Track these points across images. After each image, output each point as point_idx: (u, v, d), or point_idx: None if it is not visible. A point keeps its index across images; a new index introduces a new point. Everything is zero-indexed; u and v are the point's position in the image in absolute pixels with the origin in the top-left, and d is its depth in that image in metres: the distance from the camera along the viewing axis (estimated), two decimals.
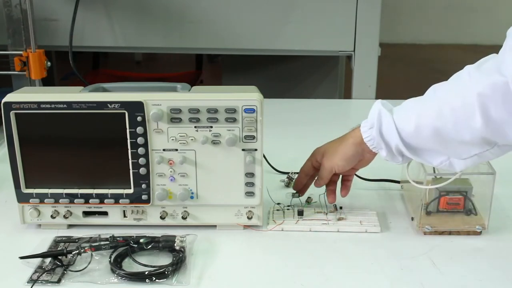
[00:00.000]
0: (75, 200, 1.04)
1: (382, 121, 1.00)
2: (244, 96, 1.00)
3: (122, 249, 0.98)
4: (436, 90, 0.97)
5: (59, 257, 0.96)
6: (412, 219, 1.09)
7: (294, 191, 1.16)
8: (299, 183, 1.15)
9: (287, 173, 1.27)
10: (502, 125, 0.87)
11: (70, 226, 1.08)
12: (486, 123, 0.88)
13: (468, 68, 0.94)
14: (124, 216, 1.06)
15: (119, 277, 0.92)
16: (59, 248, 0.99)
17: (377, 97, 1.99)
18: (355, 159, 1.06)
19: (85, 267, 0.94)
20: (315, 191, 1.15)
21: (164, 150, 1.02)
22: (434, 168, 1.07)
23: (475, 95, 0.88)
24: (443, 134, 0.93)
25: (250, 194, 1.04)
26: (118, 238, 0.99)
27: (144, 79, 2.89)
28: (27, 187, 1.04)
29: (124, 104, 0.99)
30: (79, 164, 1.03)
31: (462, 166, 0.97)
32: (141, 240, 0.99)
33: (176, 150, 1.02)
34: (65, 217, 1.06)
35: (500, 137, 0.89)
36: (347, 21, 1.92)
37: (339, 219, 1.09)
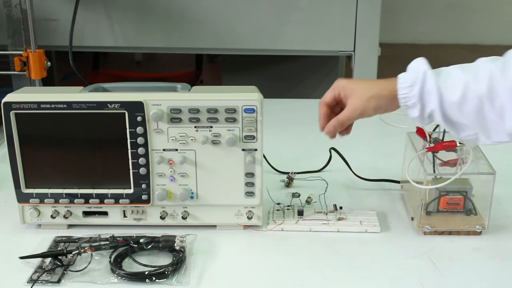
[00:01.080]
0: (75, 200, 1.04)
1: (426, 82, 0.93)
2: (244, 96, 1.00)
3: (122, 249, 0.98)
4: (484, 64, 0.93)
5: (59, 257, 0.96)
6: (412, 219, 1.09)
7: (294, 191, 1.16)
8: (324, 118, 1.04)
9: (287, 173, 1.27)
10: None
11: (70, 226, 1.08)
12: None
13: None
14: (124, 216, 1.06)
15: (119, 277, 0.92)
16: (59, 248, 0.99)
17: None
18: (381, 111, 1.00)
19: (85, 267, 0.94)
20: (315, 191, 1.15)
21: (164, 150, 1.02)
22: (434, 168, 1.07)
23: None
24: (486, 114, 0.90)
25: (250, 194, 1.04)
26: (118, 238, 0.99)
27: (144, 79, 2.89)
28: (27, 187, 1.04)
29: (124, 104, 0.99)
30: (79, 164, 1.03)
31: (486, 143, 0.94)
32: (141, 240, 0.99)
33: (176, 150, 1.02)
34: (65, 217, 1.06)
35: None
36: (347, 21, 1.92)
37: (339, 219, 1.09)
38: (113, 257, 0.96)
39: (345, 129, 1.04)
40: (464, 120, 0.93)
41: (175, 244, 0.98)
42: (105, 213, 1.06)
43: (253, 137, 1.01)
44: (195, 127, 1.00)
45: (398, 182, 1.23)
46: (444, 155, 1.10)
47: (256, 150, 1.02)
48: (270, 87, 1.85)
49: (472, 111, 0.91)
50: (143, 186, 1.03)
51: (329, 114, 1.04)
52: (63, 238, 1.03)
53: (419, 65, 0.96)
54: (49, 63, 1.63)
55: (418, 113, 0.95)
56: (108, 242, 0.98)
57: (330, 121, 1.02)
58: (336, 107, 1.04)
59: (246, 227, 1.07)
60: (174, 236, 1.00)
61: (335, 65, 2.51)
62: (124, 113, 0.99)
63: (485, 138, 0.93)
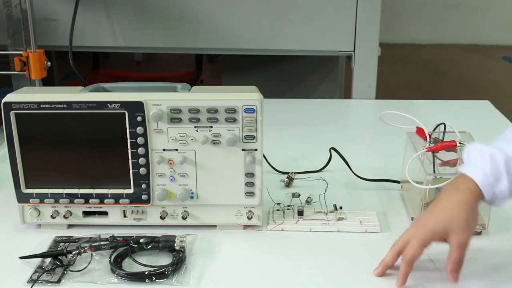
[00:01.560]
0: (75, 200, 1.04)
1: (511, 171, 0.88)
2: (244, 96, 1.00)
3: (122, 249, 0.98)
4: None
5: (59, 257, 0.96)
6: (412, 219, 1.09)
7: (294, 191, 1.16)
8: (386, 267, 0.93)
9: (287, 173, 1.27)
10: None
11: (70, 226, 1.08)
12: None
13: None
14: (124, 216, 1.06)
15: (119, 277, 0.92)
16: (59, 248, 0.99)
17: (377, 97, 1.99)
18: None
19: (85, 267, 0.94)
20: (315, 191, 1.15)
21: (164, 150, 1.02)
22: (434, 168, 1.07)
23: None
24: None
25: (250, 194, 1.04)
26: (118, 238, 0.99)
27: (144, 79, 2.89)
28: (27, 187, 1.04)
29: (124, 104, 0.99)
30: (79, 164, 1.03)
31: None
32: (141, 240, 0.99)
33: (176, 150, 1.02)
34: (65, 217, 1.06)
35: None
36: (347, 21, 1.92)
37: (339, 219, 1.09)
38: (113, 257, 0.96)
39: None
40: None
41: (175, 244, 0.98)
42: (105, 213, 1.06)
43: (253, 137, 1.01)
44: (195, 127, 1.00)
45: (398, 182, 1.23)
46: (444, 155, 1.10)
47: (256, 150, 1.02)
48: (270, 87, 1.85)
49: None
50: (143, 186, 1.03)
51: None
52: (63, 238, 1.03)
53: (492, 153, 0.89)
54: (49, 63, 1.63)
55: (508, 200, 0.90)
56: (108, 242, 0.98)
57: (449, 268, 0.89)
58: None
59: (246, 227, 1.07)
60: (174, 236, 1.00)
61: (335, 65, 2.51)
62: (124, 113, 0.99)
63: None
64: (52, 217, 1.06)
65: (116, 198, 1.04)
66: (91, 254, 0.96)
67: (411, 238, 0.90)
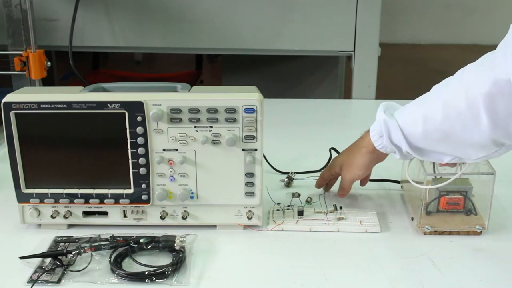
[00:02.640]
0: (75, 200, 1.04)
1: (390, 129, 1.01)
2: (244, 96, 1.00)
3: (122, 249, 0.98)
4: (438, 92, 0.97)
5: (59, 257, 0.96)
6: (412, 219, 1.09)
7: (294, 191, 1.16)
8: (319, 186, 1.20)
9: (287, 173, 1.27)
10: (509, 124, 0.86)
11: (70, 226, 1.08)
12: (494, 125, 0.87)
13: (467, 68, 0.94)
14: (124, 216, 1.06)
15: (119, 277, 0.92)
16: (59, 248, 0.99)
17: (377, 97, 1.99)
18: (372, 164, 1.11)
19: (85, 267, 0.94)
20: (315, 191, 1.16)
21: (164, 150, 1.02)
22: (434, 168, 1.07)
23: (479, 96, 0.87)
24: (451, 138, 0.94)
25: (250, 194, 1.04)
26: (118, 238, 0.99)
27: (144, 79, 2.88)
28: (27, 187, 1.04)
29: (124, 104, 0.99)
30: (79, 164, 1.03)
31: (471, 161, 0.99)
32: (141, 240, 0.99)
33: (176, 150, 1.02)
34: (65, 217, 1.06)
35: (508, 137, 0.89)
36: (347, 21, 1.92)
37: (339, 219, 1.09)
38: (113, 257, 0.96)
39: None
40: (437, 148, 0.98)
41: (175, 244, 0.98)
42: (105, 213, 1.06)
43: (253, 137, 1.01)
44: (195, 127, 1.00)
45: (398, 182, 1.23)
46: None
47: (256, 150, 1.02)
48: (270, 87, 1.84)
49: (439, 139, 0.96)
50: (143, 186, 1.03)
51: (326, 185, 1.20)
52: (63, 238, 1.03)
53: (379, 114, 1.04)
54: (49, 63, 1.63)
55: (399, 155, 1.04)
56: (108, 242, 0.98)
57: (339, 193, 1.17)
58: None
59: (246, 227, 1.07)
60: (174, 236, 1.00)
61: (335, 65, 2.51)
62: (124, 113, 0.99)
63: (467, 160, 0.98)
64: (52, 217, 1.06)
65: (116, 198, 1.04)
66: (91, 254, 0.96)
67: None
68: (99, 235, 1.01)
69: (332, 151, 1.33)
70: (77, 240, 1.01)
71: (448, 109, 0.93)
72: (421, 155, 1.01)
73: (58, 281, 0.91)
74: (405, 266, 0.96)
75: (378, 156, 1.08)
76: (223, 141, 1.01)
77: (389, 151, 1.05)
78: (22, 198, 1.04)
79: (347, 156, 1.12)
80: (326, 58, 2.39)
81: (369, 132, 1.06)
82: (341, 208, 1.12)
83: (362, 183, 1.19)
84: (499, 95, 0.85)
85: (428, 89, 1.00)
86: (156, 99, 0.99)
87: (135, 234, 1.01)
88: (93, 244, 0.97)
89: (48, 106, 0.99)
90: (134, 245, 0.98)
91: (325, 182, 1.19)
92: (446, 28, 5.40)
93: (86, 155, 1.03)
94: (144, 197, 1.04)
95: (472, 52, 4.94)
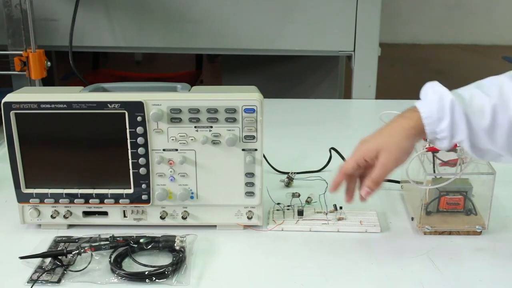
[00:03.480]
0: (75, 200, 1.04)
1: (455, 114, 0.88)
2: (244, 96, 1.00)
3: (122, 249, 0.98)
4: (505, 82, 0.88)
5: (59, 257, 0.96)
6: (412, 219, 1.09)
7: (294, 191, 1.16)
8: (336, 184, 0.99)
9: (287, 173, 1.27)
10: None
11: (70, 226, 1.08)
12: None
13: None
14: (124, 216, 1.06)
15: (119, 277, 0.92)
16: (59, 248, 0.99)
17: (377, 97, 1.99)
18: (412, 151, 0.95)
19: (85, 267, 0.94)
20: (315, 191, 1.15)
21: (164, 150, 1.02)
22: (434, 168, 1.07)
23: None
24: None
25: (250, 194, 1.04)
26: (118, 238, 0.99)
27: (144, 79, 2.89)
28: (27, 187, 1.04)
29: (124, 104, 0.99)
30: (79, 164, 1.03)
31: (508, 162, 0.91)
32: (141, 240, 0.99)
33: (176, 150, 1.02)
34: (65, 217, 1.06)
35: None
36: (347, 21, 1.92)
37: (339, 219, 1.09)
38: (113, 257, 0.96)
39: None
40: (493, 146, 0.90)
41: (175, 244, 0.98)
42: (105, 213, 1.06)
43: (253, 137, 1.01)
44: (195, 127, 1.00)
45: (398, 182, 1.23)
46: (444, 155, 1.10)
47: (256, 150, 1.02)
48: (270, 87, 1.84)
49: (503, 135, 0.88)
50: (143, 186, 1.03)
51: (349, 183, 0.98)
52: (63, 238, 1.03)
53: (442, 93, 0.89)
54: (49, 63, 1.63)
55: (447, 144, 0.91)
56: (108, 242, 0.98)
57: (365, 184, 0.94)
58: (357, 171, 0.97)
59: (246, 227, 1.07)
60: (174, 236, 1.00)
61: (335, 65, 2.51)
62: (124, 113, 0.99)
63: (510, 158, 0.90)
64: (52, 217, 1.06)
65: (116, 198, 1.04)
66: (91, 254, 0.96)
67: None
68: (99, 235, 1.01)
69: (332, 151, 1.33)
70: (77, 240, 1.01)
71: None
72: (471, 149, 0.90)
73: (58, 281, 0.91)
74: (405, 266, 0.96)
75: (416, 143, 0.93)
76: (223, 141, 1.01)
77: (440, 138, 0.90)
78: (22, 198, 1.04)
79: (386, 138, 0.93)
80: (326, 58, 2.39)
81: (419, 111, 0.90)
82: (341, 208, 1.12)
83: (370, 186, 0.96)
84: None
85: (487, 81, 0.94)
86: (156, 99, 0.99)
87: (135, 234, 1.01)
88: (93, 244, 0.97)
89: (48, 106, 0.99)
90: (134, 245, 0.98)
91: (343, 178, 0.97)
92: (446, 28, 5.40)
93: (86, 155, 1.03)
94: (144, 197, 1.04)
95: (472, 52, 4.95)
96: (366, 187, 0.94)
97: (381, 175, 0.93)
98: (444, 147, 0.93)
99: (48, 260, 0.96)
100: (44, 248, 0.99)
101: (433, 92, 0.91)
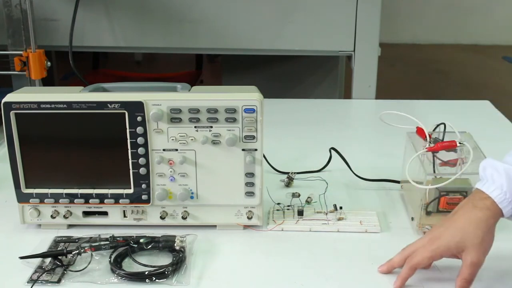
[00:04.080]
0: (75, 200, 1.04)
1: None
2: (244, 96, 1.00)
3: (122, 249, 0.98)
4: None
5: (59, 257, 0.96)
6: (412, 219, 1.09)
7: (294, 191, 1.16)
8: (391, 271, 0.94)
9: (287, 173, 1.27)
10: None
11: (70, 226, 1.08)
12: None
13: None
14: (124, 216, 1.06)
15: (119, 277, 0.92)
16: (59, 248, 0.99)
17: (377, 97, 1.99)
18: None
19: (85, 267, 0.94)
20: (315, 191, 1.15)
21: (164, 150, 1.02)
22: (434, 168, 1.07)
23: None
24: None
25: (250, 194, 1.04)
26: (118, 238, 0.99)
27: (144, 79, 2.89)
28: (27, 187, 1.04)
29: (124, 104, 0.99)
30: (79, 164, 1.03)
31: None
32: (141, 240, 0.99)
33: (176, 150, 1.02)
34: (65, 217, 1.06)
35: None
36: (347, 21, 1.92)
37: (339, 219, 1.09)
38: (113, 257, 0.96)
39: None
40: None
41: (175, 244, 0.98)
42: (105, 213, 1.06)
43: (253, 137, 1.01)
44: (195, 127, 1.01)
45: (398, 182, 1.23)
46: (444, 155, 1.10)
47: (256, 150, 1.02)
48: (270, 87, 1.84)
49: None
50: (143, 186, 1.03)
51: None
52: (63, 238, 1.03)
53: (494, 164, 0.89)
54: (49, 63, 1.63)
55: None
56: (108, 242, 0.98)
57: (457, 284, 0.88)
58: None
59: (246, 227, 1.07)
60: (174, 236, 1.00)
61: (335, 65, 2.51)
62: (124, 113, 0.99)
63: None
64: (52, 217, 1.06)
65: (116, 198, 1.04)
66: (91, 254, 0.96)
67: (422, 247, 0.89)
68: (99, 235, 1.01)
69: (332, 151, 1.33)
70: (77, 240, 1.01)
71: None
72: None
73: (58, 281, 0.91)
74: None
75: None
76: (223, 141, 1.01)
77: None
78: (22, 198, 1.04)
79: (468, 234, 0.87)
80: (326, 58, 2.39)
81: (488, 193, 0.87)
82: (341, 208, 1.12)
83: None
84: None
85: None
86: (156, 99, 0.99)
87: (135, 234, 1.01)
88: (93, 244, 0.97)
89: (48, 106, 0.99)
90: (134, 245, 0.98)
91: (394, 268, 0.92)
92: (446, 28, 5.40)
93: (86, 155, 1.03)
94: (144, 197, 1.04)
95: (472, 52, 4.94)
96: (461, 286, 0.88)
97: (472, 274, 0.87)
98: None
99: (48, 260, 0.96)
100: (44, 248, 0.99)
101: (495, 170, 0.88)
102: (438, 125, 1.12)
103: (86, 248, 0.96)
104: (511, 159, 0.91)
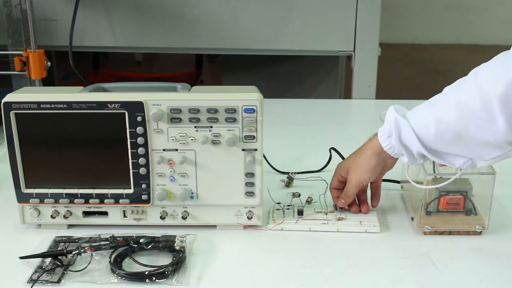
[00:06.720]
0: (75, 200, 1.04)
1: (401, 129, 0.99)
2: (244, 96, 1.00)
3: (122, 249, 0.98)
4: (450, 93, 0.96)
5: (59, 257, 0.96)
6: (412, 219, 1.09)
7: (294, 191, 1.16)
8: (336, 200, 1.13)
9: (287, 173, 1.27)
10: None
11: (70, 226, 1.08)
12: (510, 125, 0.86)
13: (480, 69, 0.92)
14: (124, 216, 1.06)
15: (119, 277, 0.92)
16: (59, 248, 0.99)
17: (377, 97, 1.99)
18: (379, 168, 1.07)
19: (85, 267, 0.94)
20: (315, 191, 1.15)
21: (164, 150, 1.02)
22: (434, 168, 1.07)
23: (494, 97, 0.86)
24: (465, 138, 0.92)
25: (250, 194, 1.04)
26: (118, 238, 0.99)
27: (144, 79, 2.89)
28: (27, 187, 1.04)
29: (124, 104, 0.99)
30: (79, 164, 1.03)
31: (484, 165, 0.97)
32: (141, 240, 0.99)
33: (176, 150, 1.02)
34: (65, 217, 1.06)
35: None
36: (347, 21, 1.92)
37: (339, 219, 1.09)
38: (113, 257, 0.96)
39: (375, 199, 1.14)
40: (451, 149, 0.96)
41: (175, 244, 0.98)
42: (105, 213, 1.06)
43: (253, 137, 1.01)
44: (195, 127, 1.01)
45: (398, 182, 1.23)
46: None
47: (256, 150, 1.02)
48: (270, 87, 1.85)
49: (452, 140, 0.94)
50: (143, 186, 1.03)
51: (340, 193, 1.12)
52: (63, 238, 1.03)
53: (389, 114, 1.01)
54: (49, 63, 1.63)
55: (407, 157, 1.01)
56: (108, 242, 0.98)
57: (340, 197, 1.11)
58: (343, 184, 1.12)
59: (246, 227, 1.07)
60: (174, 236, 1.00)
61: (335, 65, 2.51)
62: (124, 113, 0.99)
63: (479, 161, 0.96)
64: (52, 217, 1.06)
65: (116, 198, 1.04)
66: (91, 254, 0.96)
67: None
68: (99, 235, 1.01)
69: (332, 151, 1.33)
70: (77, 240, 1.01)
71: (461, 110, 0.91)
72: (435, 156, 0.98)
73: (58, 281, 0.91)
74: (405, 266, 0.96)
75: (385, 160, 1.05)
76: (223, 141, 1.01)
77: (397, 153, 1.02)
78: (22, 198, 1.04)
79: (352, 159, 1.09)
80: (326, 58, 2.39)
81: (378, 133, 1.04)
82: (341, 208, 1.12)
83: (373, 199, 1.13)
84: None
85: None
86: (156, 99, 0.99)
87: (135, 234, 1.01)
88: (93, 244, 0.97)
89: (48, 106, 0.99)
90: (134, 245, 0.98)
91: (338, 193, 1.12)
92: (446, 28, 5.40)
93: (86, 155, 1.03)
94: (144, 197, 1.04)
95: (472, 52, 4.94)
96: (341, 199, 1.11)
97: (349, 191, 1.09)
98: (405, 161, 1.02)
99: (48, 260, 0.96)
100: (44, 248, 0.99)
101: (387, 116, 1.03)
102: None
103: (86, 248, 0.96)
104: (412, 112, 1.01)
